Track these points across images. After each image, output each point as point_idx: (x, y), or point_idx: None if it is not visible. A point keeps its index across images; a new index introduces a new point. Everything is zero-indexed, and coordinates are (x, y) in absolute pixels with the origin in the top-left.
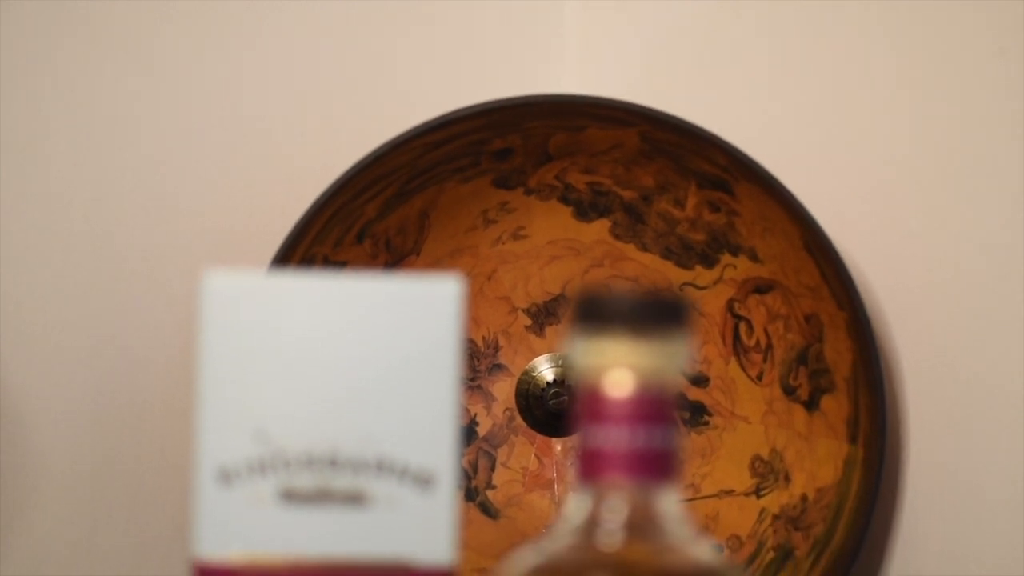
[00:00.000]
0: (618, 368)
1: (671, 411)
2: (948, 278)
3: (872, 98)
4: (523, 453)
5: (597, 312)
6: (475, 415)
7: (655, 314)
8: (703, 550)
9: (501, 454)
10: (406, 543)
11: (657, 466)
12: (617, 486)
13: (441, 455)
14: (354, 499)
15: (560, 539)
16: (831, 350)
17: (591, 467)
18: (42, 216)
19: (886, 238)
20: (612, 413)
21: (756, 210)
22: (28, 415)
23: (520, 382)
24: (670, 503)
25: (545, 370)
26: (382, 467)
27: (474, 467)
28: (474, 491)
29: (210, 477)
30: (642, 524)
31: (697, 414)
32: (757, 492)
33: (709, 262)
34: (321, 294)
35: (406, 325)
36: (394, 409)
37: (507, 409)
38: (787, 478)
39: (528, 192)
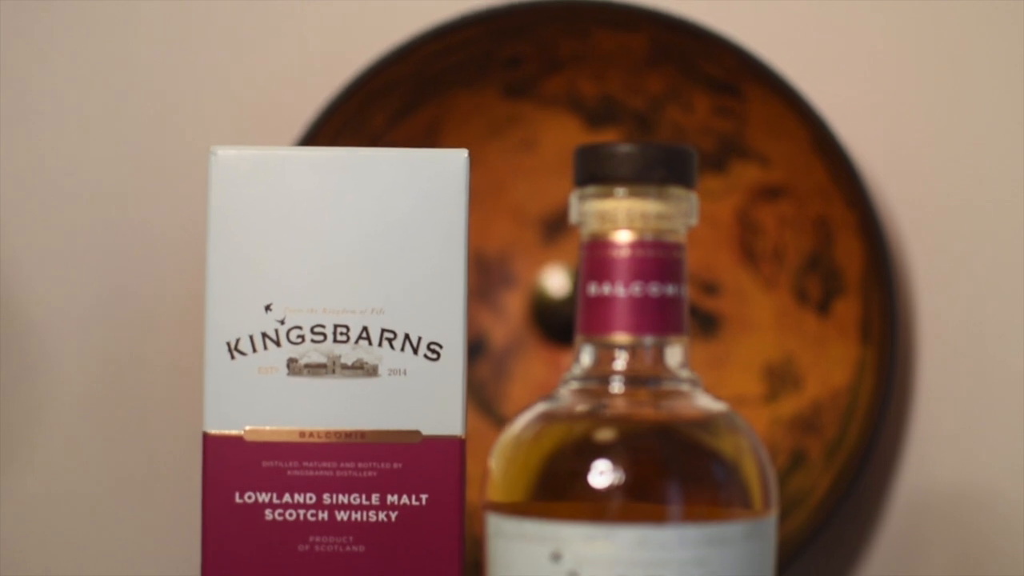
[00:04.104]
0: (620, 221)
1: (676, 264)
2: (958, 176)
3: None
4: (536, 365)
5: (598, 165)
6: (487, 327)
7: (657, 165)
8: (707, 399)
9: (514, 366)
10: (416, 413)
11: (661, 318)
12: (621, 338)
13: (450, 325)
14: (363, 370)
15: (566, 389)
16: (841, 252)
17: (595, 320)
18: (50, 108)
19: (894, 137)
20: (615, 266)
21: (765, 112)
22: (38, 308)
23: (532, 294)
24: (675, 355)
25: (557, 281)
26: (391, 338)
27: (487, 379)
28: (488, 403)
29: (219, 351)
30: (646, 375)
31: (709, 322)
32: (770, 398)
33: (719, 168)
34: (328, 165)
35: (414, 195)
36: (402, 280)
37: (519, 321)
38: (800, 383)
39: (538, 102)
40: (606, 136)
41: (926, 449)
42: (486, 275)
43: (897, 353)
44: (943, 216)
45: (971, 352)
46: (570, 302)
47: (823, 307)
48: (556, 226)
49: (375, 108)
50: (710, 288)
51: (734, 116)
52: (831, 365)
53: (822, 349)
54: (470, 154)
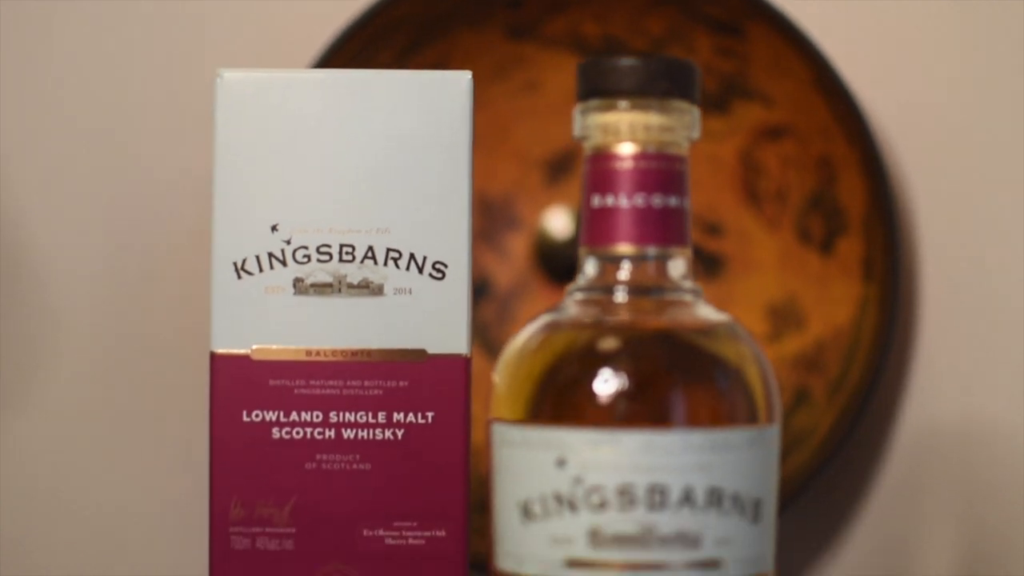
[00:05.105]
0: (623, 133)
1: (678, 176)
2: (960, 113)
3: None
4: (540, 306)
5: (601, 78)
6: (492, 269)
7: (659, 78)
8: (709, 309)
9: (518, 308)
10: (421, 332)
11: (663, 229)
12: (624, 249)
13: (454, 245)
14: (368, 289)
15: (570, 300)
16: (844, 191)
17: (598, 232)
18: (61, 32)
19: (896, 74)
20: (618, 178)
21: (767, 52)
22: (45, 229)
23: (536, 236)
24: (677, 266)
25: (561, 223)
26: (396, 257)
27: (492, 321)
28: (492, 344)
29: (226, 271)
30: (649, 285)
31: (712, 263)
32: (773, 337)
33: (722, 109)
34: (333, 87)
35: (419, 116)
36: (407, 200)
37: (523, 263)
38: (803, 322)
39: (541, 43)
40: None
41: (929, 386)
42: (490, 217)
43: (899, 291)
44: (945, 153)
45: (973, 289)
46: (574, 244)
47: (826, 246)
48: (560, 168)
49: (383, 44)
50: (713, 229)
51: (736, 56)
52: (834, 304)
53: (825, 288)
54: (474, 93)
